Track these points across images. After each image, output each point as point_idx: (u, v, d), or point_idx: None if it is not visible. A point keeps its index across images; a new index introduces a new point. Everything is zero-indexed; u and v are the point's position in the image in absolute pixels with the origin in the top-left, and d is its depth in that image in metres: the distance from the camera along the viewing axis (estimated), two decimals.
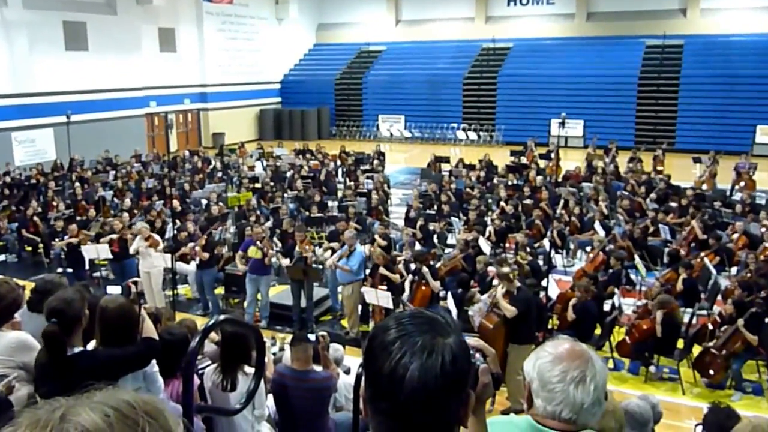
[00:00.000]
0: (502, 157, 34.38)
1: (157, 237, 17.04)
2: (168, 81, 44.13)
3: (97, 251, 17.58)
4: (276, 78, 54.44)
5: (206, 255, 16.72)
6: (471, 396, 1.98)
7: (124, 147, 36.06)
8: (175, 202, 22.90)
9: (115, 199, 25.81)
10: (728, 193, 26.88)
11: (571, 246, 20.70)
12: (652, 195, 24.75)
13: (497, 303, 12.24)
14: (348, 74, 53.42)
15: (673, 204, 23.22)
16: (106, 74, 38.38)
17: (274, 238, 19.06)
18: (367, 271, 15.91)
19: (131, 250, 16.77)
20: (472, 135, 47.45)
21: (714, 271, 16.98)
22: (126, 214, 21.22)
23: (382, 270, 15.14)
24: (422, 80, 49.66)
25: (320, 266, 17.97)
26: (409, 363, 1.82)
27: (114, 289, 5.99)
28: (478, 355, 2.20)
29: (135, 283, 5.79)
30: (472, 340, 2.14)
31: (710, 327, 13.58)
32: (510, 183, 27.13)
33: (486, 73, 48.34)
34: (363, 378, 1.96)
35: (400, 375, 1.82)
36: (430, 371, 1.82)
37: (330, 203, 25.53)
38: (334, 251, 16.70)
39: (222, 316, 4.30)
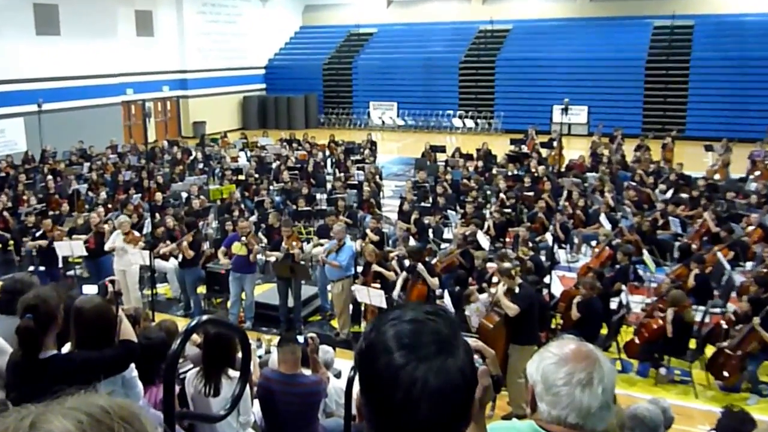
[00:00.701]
0: (501, 146, 34.38)
1: (137, 234, 17.00)
2: (145, 67, 44.01)
3: (71, 248, 17.51)
4: (260, 63, 54.37)
5: (192, 252, 16.64)
6: (474, 402, 1.98)
7: (99, 137, 35.90)
8: (158, 195, 22.89)
9: (90, 193, 25.73)
10: (744, 181, 26.94)
11: (576, 240, 20.72)
12: (662, 185, 24.78)
13: (497, 301, 12.24)
14: (337, 59, 53.35)
15: (684, 195, 23.22)
16: (79, 60, 38.19)
17: (259, 234, 19.04)
18: (359, 269, 15.90)
19: (107, 247, 16.67)
20: (470, 123, 47.47)
21: (728, 267, 17.00)
22: (101, 209, 21.15)
23: (375, 267, 15.13)
24: (416, 65, 49.59)
25: (310, 263, 17.95)
26: (421, 393, 1.84)
27: (90, 289, 5.96)
28: (476, 357, 2.20)
29: (112, 282, 5.77)
30: (471, 341, 2.14)
31: (724, 326, 13.58)
32: (510, 173, 27.13)
33: (484, 57, 48.34)
34: (358, 386, 1.96)
35: (414, 404, 1.83)
36: (444, 397, 1.85)
37: (318, 196, 25.49)
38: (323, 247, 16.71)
39: (204, 317, 4.29)
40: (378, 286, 14.60)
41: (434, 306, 2.04)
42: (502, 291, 12.15)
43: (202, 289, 17.42)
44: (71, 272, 19.04)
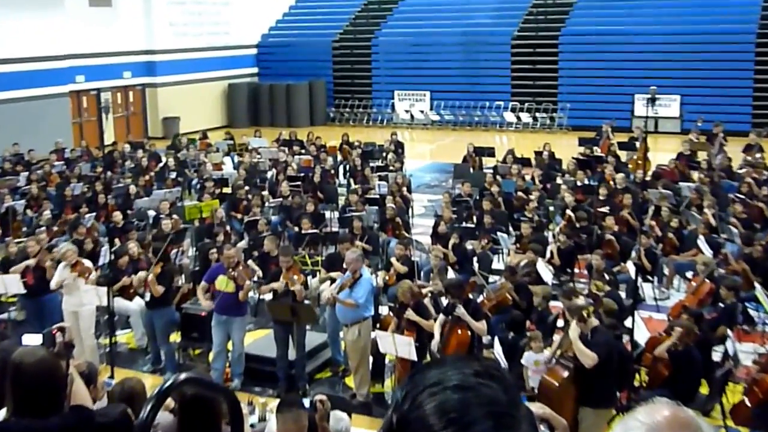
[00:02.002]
0: (567, 148, 34.38)
1: (87, 263, 16.92)
2: (101, 47, 44.10)
3: (4, 284, 17.52)
4: (251, 40, 54.60)
5: (161, 289, 16.51)
6: None
7: (40, 138, 35.99)
8: (117, 215, 22.91)
9: (29, 212, 25.80)
10: None
11: (666, 271, 20.64)
12: None
13: (566, 350, 12.18)
14: (351, 34, 53.57)
15: None
16: (13, 38, 38.23)
17: (251, 263, 19.03)
18: (383, 310, 15.81)
19: (53, 284, 16.60)
20: (526, 117, 47.52)
21: None
22: (44, 232, 21.19)
23: (410, 314, 14.83)
24: (454, 42, 49.65)
25: (317, 303, 17.93)
26: None
27: (32, 338, 5.96)
28: (542, 427, 2.20)
29: (62, 330, 5.77)
30: (535, 408, 2.13)
31: None
32: (579, 183, 27.06)
33: (544, 32, 48.38)
34: None
35: None
36: None
37: (328, 214, 25.53)
38: (334, 282, 16.58)
39: (182, 375, 4.30)
40: (411, 334, 14.44)
41: (484, 363, 2.01)
42: (575, 333, 12.01)
43: (175, 337, 17.42)
44: (4, 315, 19.09)
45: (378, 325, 15.42)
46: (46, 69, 40.05)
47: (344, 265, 16.12)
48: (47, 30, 39.79)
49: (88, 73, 43.09)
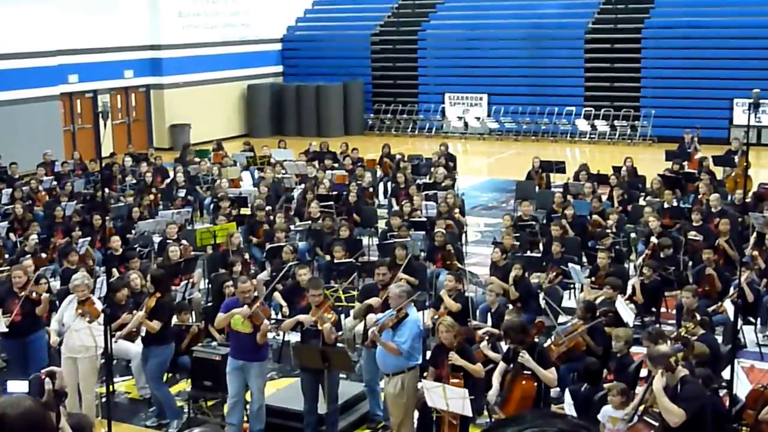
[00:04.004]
0: (652, 163, 34.29)
1: (99, 305, 16.41)
2: (98, 41, 44.23)
3: None
4: (275, 34, 54.78)
5: (156, 325, 16.32)
6: None
7: (26, 149, 36.26)
8: (116, 240, 22.93)
9: (12, 236, 25.89)
10: None
11: None
12: None
13: (650, 404, 12.11)
14: (393, 26, 53.71)
15: None
16: None
17: (276, 296, 19.01)
18: (428, 354, 15.76)
19: (55, 322, 16.53)
20: (602, 126, 47.45)
21: None
22: (29, 260, 21.26)
23: (453, 357, 14.76)
24: (517, 36, 49.70)
25: (355, 345, 17.88)
26: None
27: (17, 386, 5.95)
28: None
29: (52, 375, 5.76)
30: None
31: None
32: (666, 205, 26.93)
33: (623, 25, 48.28)
34: None
35: None
36: None
37: (365, 240, 25.51)
38: (371, 311, 16.36)
39: (195, 431, 4.29)
40: (460, 381, 14.36)
41: (569, 420, 1.99)
42: (660, 386, 11.95)
43: (185, 385, 17.40)
44: None
45: (425, 375, 15.29)
46: (33, 67, 40.18)
47: (378, 295, 15.98)
48: (34, 21, 39.84)
49: (83, 71, 43.25)
